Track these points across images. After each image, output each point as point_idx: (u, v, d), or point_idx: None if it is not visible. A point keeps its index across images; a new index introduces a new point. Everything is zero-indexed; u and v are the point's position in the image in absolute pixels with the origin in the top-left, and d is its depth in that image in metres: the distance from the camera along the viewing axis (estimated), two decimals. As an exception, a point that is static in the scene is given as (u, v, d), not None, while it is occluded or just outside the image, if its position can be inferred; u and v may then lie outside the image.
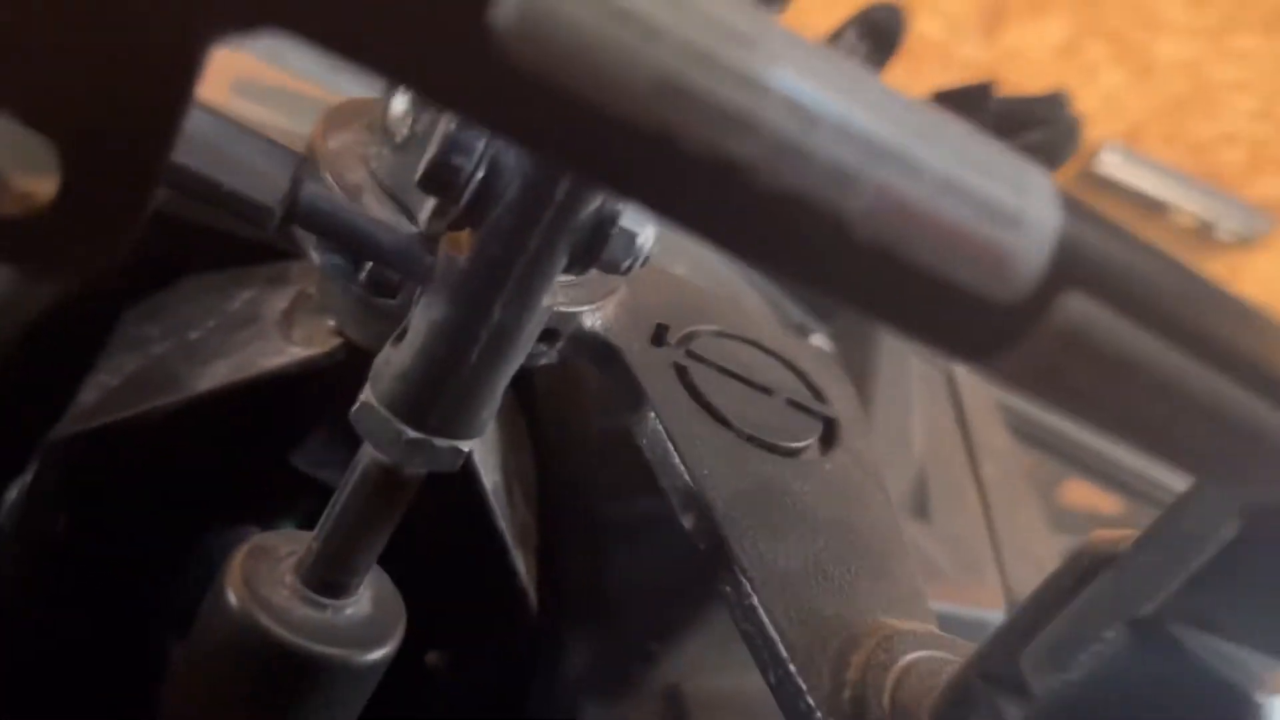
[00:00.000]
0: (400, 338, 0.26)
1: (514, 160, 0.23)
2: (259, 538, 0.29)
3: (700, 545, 0.29)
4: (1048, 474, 1.12)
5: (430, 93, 0.15)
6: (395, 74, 0.15)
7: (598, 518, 0.40)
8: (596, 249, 0.25)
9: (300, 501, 0.37)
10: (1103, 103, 1.83)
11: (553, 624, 0.38)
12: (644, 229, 0.25)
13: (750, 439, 0.32)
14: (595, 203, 0.24)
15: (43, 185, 0.16)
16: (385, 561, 0.30)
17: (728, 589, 0.28)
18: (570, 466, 0.40)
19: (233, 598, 0.27)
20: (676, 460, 0.30)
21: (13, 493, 0.39)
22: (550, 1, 0.14)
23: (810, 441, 0.34)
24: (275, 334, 0.34)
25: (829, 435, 0.35)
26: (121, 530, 0.36)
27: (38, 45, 0.15)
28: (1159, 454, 0.19)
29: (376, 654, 0.28)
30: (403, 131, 0.30)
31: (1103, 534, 0.24)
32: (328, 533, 0.28)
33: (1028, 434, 0.87)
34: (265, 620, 0.27)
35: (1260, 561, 0.21)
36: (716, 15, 0.15)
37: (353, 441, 0.35)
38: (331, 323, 0.33)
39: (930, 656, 0.28)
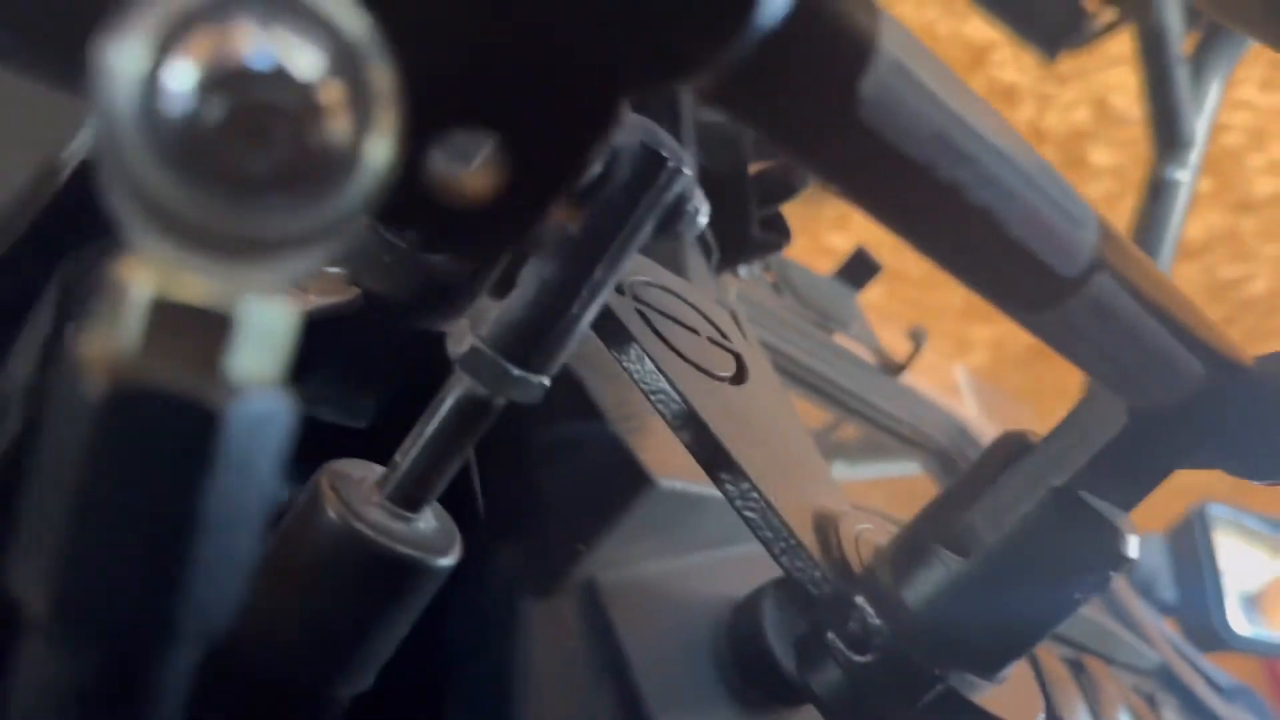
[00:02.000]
0: (498, 291, 0.31)
1: (629, 150, 0.29)
2: (334, 464, 0.33)
3: (695, 455, 0.36)
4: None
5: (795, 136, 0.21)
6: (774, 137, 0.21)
7: (525, 441, 0.45)
8: (674, 222, 0.31)
9: (304, 442, 0.40)
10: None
11: (487, 533, 0.44)
12: (703, 206, 0.32)
13: (699, 369, 0.40)
14: (681, 185, 0.30)
15: (475, 181, 0.20)
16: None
17: (728, 485, 0.35)
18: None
19: (331, 513, 0.31)
20: (669, 387, 0.37)
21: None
22: (902, 85, 0.21)
23: (732, 372, 0.42)
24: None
25: (741, 369, 0.43)
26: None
27: (510, 70, 0.19)
28: (1108, 381, 0.29)
29: (451, 559, 0.33)
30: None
31: (1018, 429, 0.34)
32: (415, 455, 0.32)
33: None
34: (364, 529, 0.31)
35: (1138, 446, 0.32)
36: (983, 110, 0.22)
37: (354, 380, 0.39)
38: (337, 271, 0.37)
39: (868, 528, 0.37)
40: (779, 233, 0.69)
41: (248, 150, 0.15)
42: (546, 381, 0.32)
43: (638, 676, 0.44)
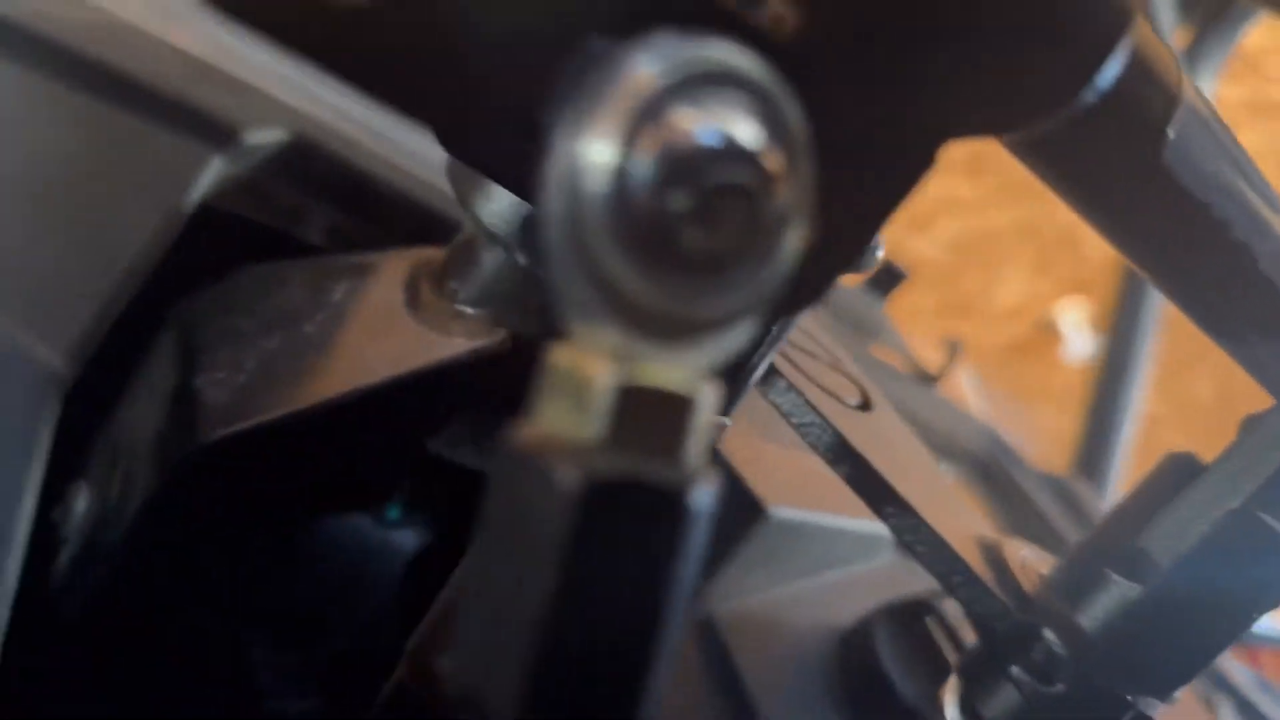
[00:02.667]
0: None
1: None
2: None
3: (857, 489, 0.36)
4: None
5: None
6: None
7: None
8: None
9: (427, 484, 0.39)
10: None
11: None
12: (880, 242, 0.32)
13: (836, 398, 0.40)
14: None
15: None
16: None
17: (894, 519, 0.35)
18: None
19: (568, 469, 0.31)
20: (821, 419, 0.36)
21: (79, 501, 0.37)
22: (1198, 129, 0.21)
23: (859, 399, 0.42)
24: (421, 324, 0.36)
25: (865, 395, 0.43)
26: (247, 528, 0.36)
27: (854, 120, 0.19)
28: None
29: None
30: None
31: (1182, 452, 0.35)
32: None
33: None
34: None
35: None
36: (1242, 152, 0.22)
37: (492, 421, 0.38)
38: (470, 311, 0.36)
39: (1026, 553, 0.37)
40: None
41: (708, 230, 0.14)
42: (729, 422, 0.31)
43: (759, 708, 0.44)
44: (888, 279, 0.87)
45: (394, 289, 0.37)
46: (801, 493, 0.47)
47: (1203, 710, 0.36)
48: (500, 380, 0.37)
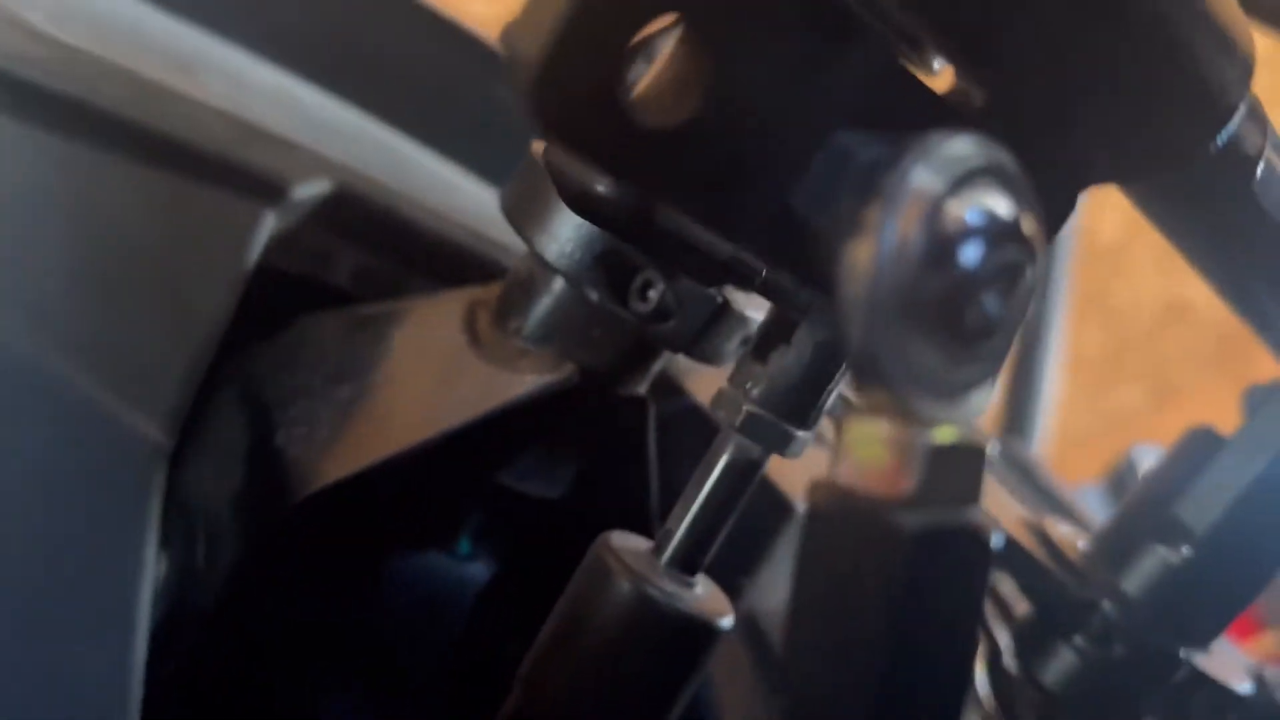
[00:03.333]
0: (760, 356, 0.32)
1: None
2: (607, 536, 0.34)
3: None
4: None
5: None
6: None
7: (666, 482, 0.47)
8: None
9: (497, 517, 0.40)
10: None
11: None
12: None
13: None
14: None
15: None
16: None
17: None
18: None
19: (625, 583, 0.32)
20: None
21: (161, 564, 0.37)
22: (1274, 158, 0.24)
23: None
24: (488, 363, 0.37)
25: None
26: (332, 577, 0.37)
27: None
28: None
29: (730, 619, 0.34)
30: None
31: (1203, 426, 0.38)
32: (690, 520, 0.33)
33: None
34: (658, 596, 0.32)
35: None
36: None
37: (560, 451, 0.40)
38: (533, 347, 0.37)
39: (1065, 529, 0.40)
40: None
41: (988, 303, 0.16)
42: (812, 436, 0.33)
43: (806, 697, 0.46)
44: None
45: (454, 330, 0.38)
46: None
47: (1231, 654, 0.39)
48: (568, 412, 0.38)
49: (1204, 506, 0.37)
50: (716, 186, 0.17)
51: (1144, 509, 0.38)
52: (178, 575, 0.37)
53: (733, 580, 0.47)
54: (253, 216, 0.37)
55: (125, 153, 0.35)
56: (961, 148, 0.17)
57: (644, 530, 0.38)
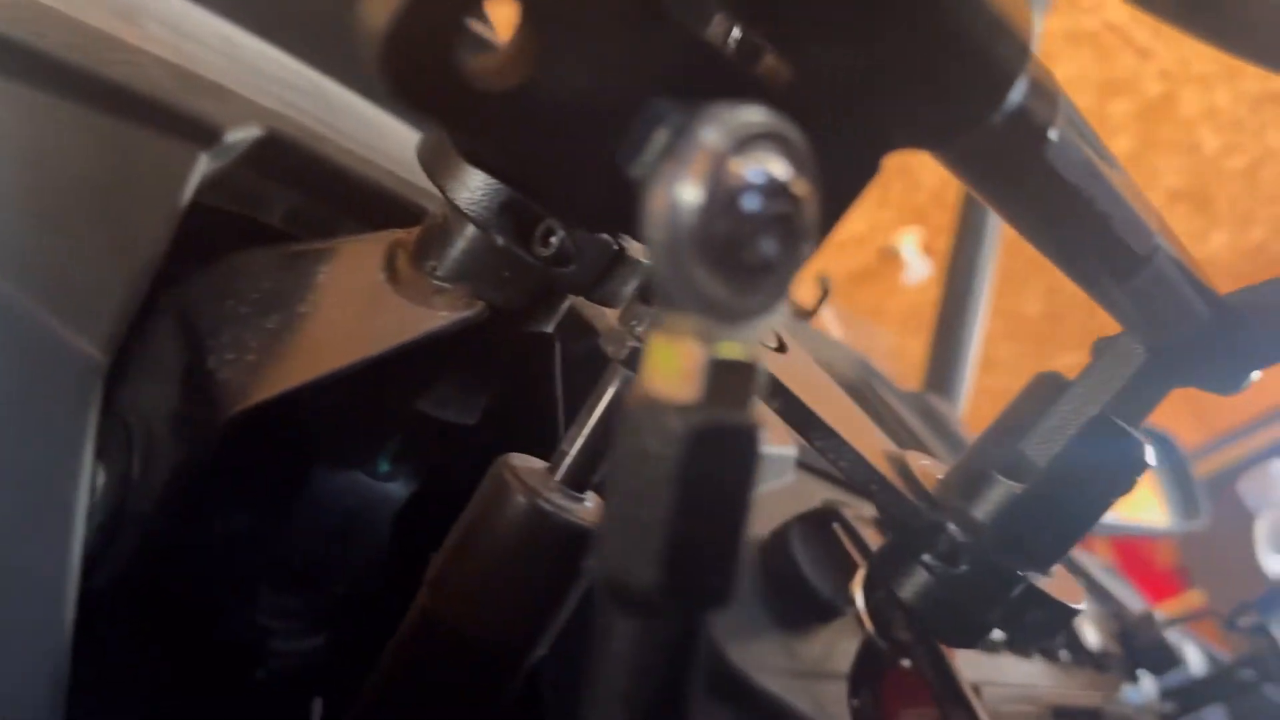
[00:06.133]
0: (645, 298, 0.36)
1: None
2: (505, 458, 0.38)
3: (788, 420, 0.42)
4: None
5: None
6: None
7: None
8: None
9: (415, 440, 0.44)
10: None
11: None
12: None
13: (763, 344, 0.46)
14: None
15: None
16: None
17: (820, 443, 0.42)
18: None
19: (521, 497, 0.36)
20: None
21: (98, 479, 0.41)
22: (1070, 130, 0.28)
23: (776, 343, 0.48)
24: (405, 299, 0.40)
25: (780, 339, 0.49)
26: (259, 488, 0.41)
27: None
28: (1140, 327, 0.37)
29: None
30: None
31: (1050, 371, 0.42)
32: (581, 444, 0.37)
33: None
34: (550, 509, 0.36)
35: (1152, 375, 0.40)
36: (1095, 138, 0.29)
37: (473, 382, 0.43)
38: (448, 285, 0.41)
39: (926, 462, 0.44)
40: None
41: (762, 243, 0.20)
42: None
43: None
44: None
45: (375, 268, 0.42)
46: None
47: (1070, 579, 0.44)
48: (479, 346, 0.42)
49: (1045, 442, 0.41)
50: (550, 143, 0.21)
51: (994, 444, 0.42)
52: (116, 484, 0.40)
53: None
54: (188, 158, 0.40)
55: (70, 96, 0.38)
56: (744, 115, 0.20)
57: (551, 454, 0.42)
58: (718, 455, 0.20)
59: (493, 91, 0.20)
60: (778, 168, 0.20)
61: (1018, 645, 0.72)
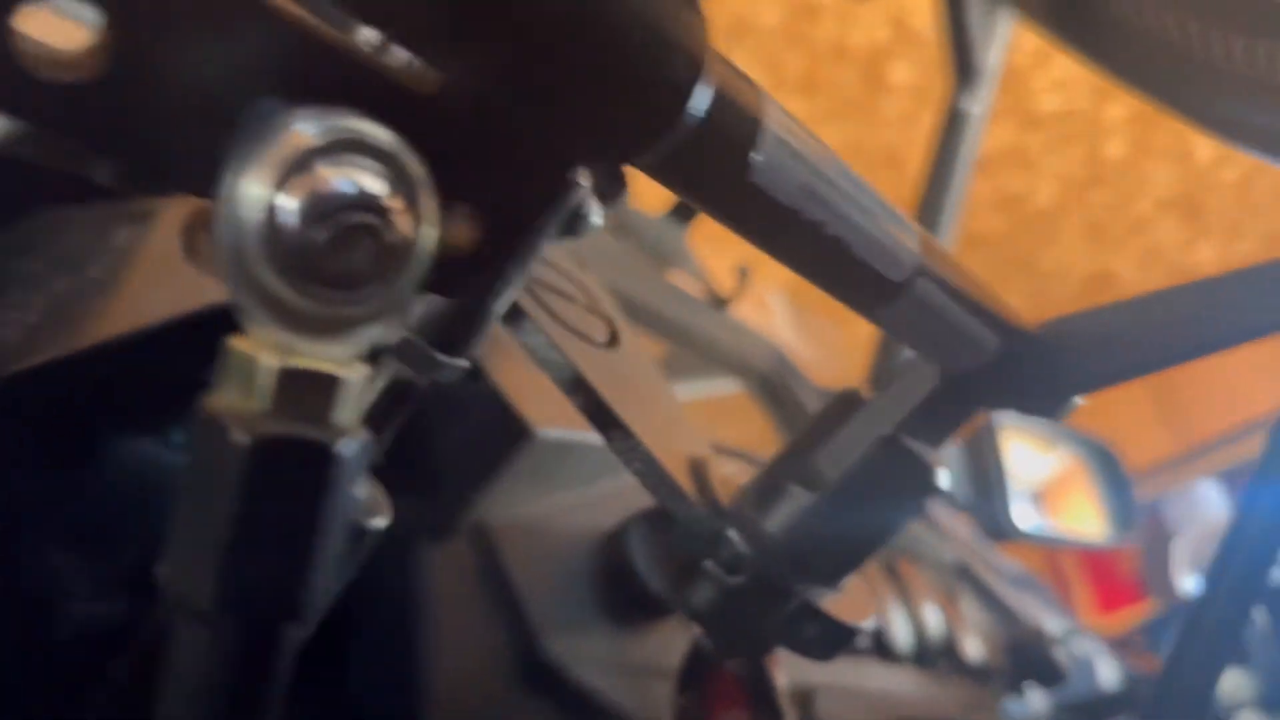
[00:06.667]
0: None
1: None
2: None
3: (588, 416, 0.42)
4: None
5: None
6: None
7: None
8: (575, 226, 0.36)
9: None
10: None
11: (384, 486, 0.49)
12: (597, 209, 0.37)
13: (582, 337, 0.45)
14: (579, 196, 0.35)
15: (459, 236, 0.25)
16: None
17: (617, 442, 0.41)
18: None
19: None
20: (561, 359, 0.42)
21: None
22: (781, 151, 0.27)
23: (607, 337, 0.48)
24: (196, 270, 0.40)
25: (613, 333, 0.49)
26: (48, 453, 0.40)
27: (490, 155, 0.24)
28: (926, 353, 0.36)
29: (384, 521, 0.38)
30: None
31: (852, 388, 0.42)
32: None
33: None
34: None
35: (947, 399, 0.39)
36: (836, 163, 0.28)
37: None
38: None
39: (732, 470, 0.44)
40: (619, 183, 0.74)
41: (343, 255, 0.19)
42: (466, 364, 0.36)
43: (525, 605, 0.50)
44: (688, 209, 0.93)
45: (171, 237, 0.41)
46: (567, 415, 0.53)
47: (868, 595, 0.43)
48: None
49: (838, 456, 0.40)
50: (141, 134, 0.20)
51: (793, 457, 0.42)
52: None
53: (466, 494, 0.50)
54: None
55: None
56: (340, 117, 0.20)
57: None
58: (285, 469, 0.20)
59: (66, 83, 0.19)
60: (365, 178, 0.20)
61: (883, 651, 0.72)
